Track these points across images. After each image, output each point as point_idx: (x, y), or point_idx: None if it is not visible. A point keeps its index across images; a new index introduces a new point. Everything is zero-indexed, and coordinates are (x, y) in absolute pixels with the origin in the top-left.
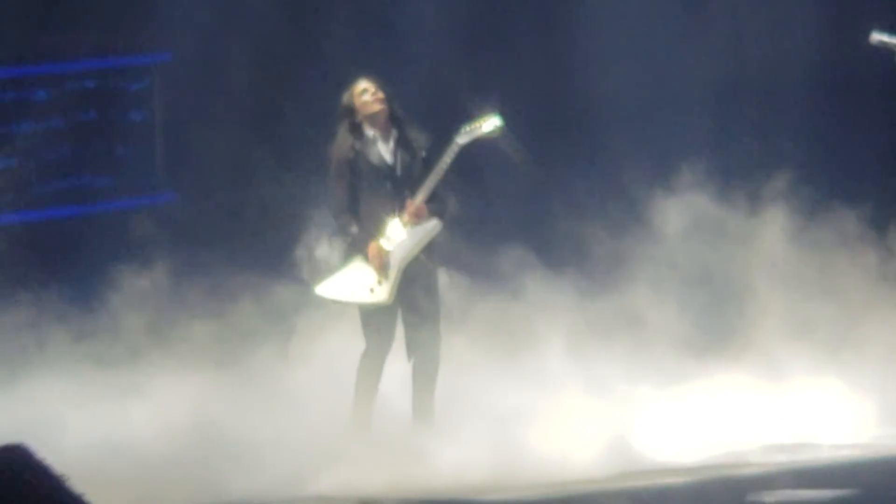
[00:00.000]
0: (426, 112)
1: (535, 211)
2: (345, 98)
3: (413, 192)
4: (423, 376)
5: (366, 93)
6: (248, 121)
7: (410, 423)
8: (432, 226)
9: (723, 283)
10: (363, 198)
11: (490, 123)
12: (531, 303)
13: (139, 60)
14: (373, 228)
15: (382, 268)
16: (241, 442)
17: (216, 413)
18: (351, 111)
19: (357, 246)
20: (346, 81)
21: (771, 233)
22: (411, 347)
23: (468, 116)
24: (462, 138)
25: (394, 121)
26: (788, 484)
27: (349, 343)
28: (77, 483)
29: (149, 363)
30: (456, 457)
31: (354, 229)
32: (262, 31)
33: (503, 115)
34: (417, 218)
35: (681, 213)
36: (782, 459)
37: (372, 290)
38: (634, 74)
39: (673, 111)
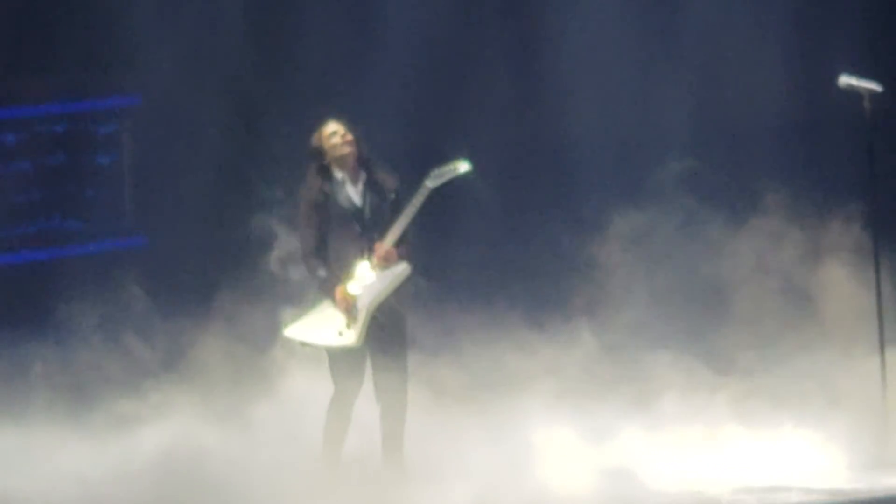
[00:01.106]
0: (396, 153)
1: (507, 252)
2: (314, 140)
3: (382, 235)
4: (392, 419)
5: (335, 135)
6: (217, 163)
7: (379, 466)
8: (401, 269)
9: (700, 320)
10: (332, 240)
11: (459, 167)
12: (505, 347)
13: (108, 104)
14: (341, 271)
15: (350, 311)
16: (212, 481)
17: (186, 455)
18: (320, 153)
19: (326, 288)
20: (317, 122)
21: (744, 268)
22: (380, 390)
23: (438, 159)
24: (432, 181)
25: (363, 163)
26: None
27: (319, 384)
28: None
29: (119, 405)
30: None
31: (322, 272)
32: (230, 74)
33: (472, 157)
34: (386, 261)
35: (655, 250)
36: (752, 502)
37: (340, 334)
38: (606, 116)
39: (646, 153)
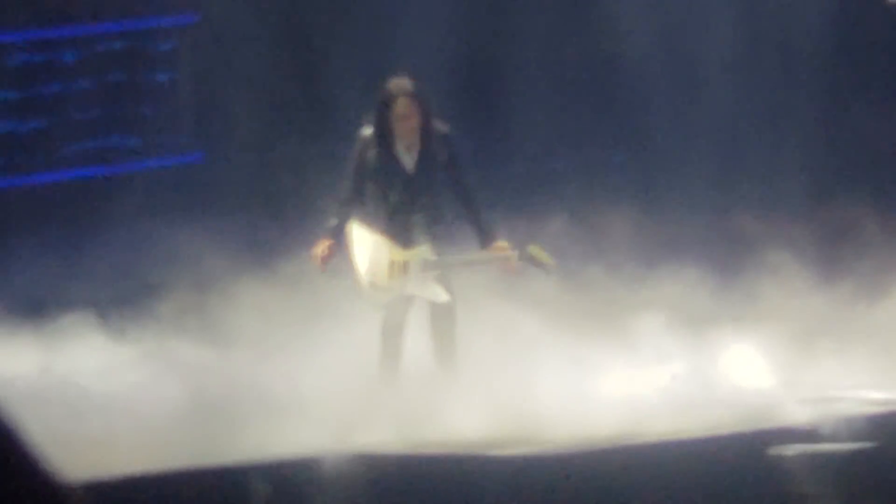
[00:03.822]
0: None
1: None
2: (382, 101)
3: (429, 199)
4: (442, 321)
5: (404, 119)
6: (275, 82)
7: (434, 369)
8: (442, 299)
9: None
10: (375, 199)
11: (550, 266)
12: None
13: (166, 21)
14: (378, 231)
15: (392, 276)
16: (267, 399)
17: (240, 372)
18: (385, 120)
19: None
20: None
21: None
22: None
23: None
24: (521, 257)
25: (424, 135)
26: (810, 438)
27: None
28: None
29: (171, 323)
30: (472, 412)
31: (333, 222)
32: None
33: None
34: (442, 281)
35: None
36: (804, 413)
37: (374, 276)
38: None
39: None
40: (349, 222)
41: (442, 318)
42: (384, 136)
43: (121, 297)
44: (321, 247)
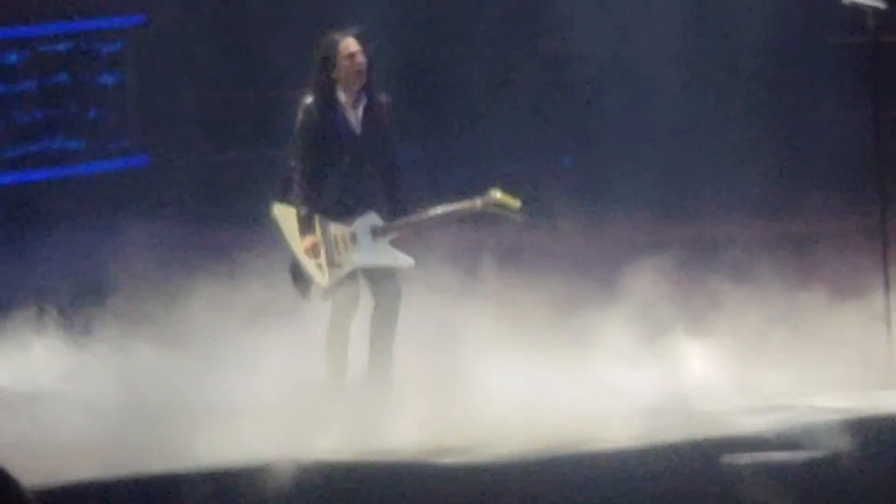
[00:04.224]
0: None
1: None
2: (325, 50)
3: (376, 165)
4: (383, 325)
5: (354, 57)
6: (222, 84)
7: (363, 376)
8: (405, 261)
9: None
10: (321, 167)
11: (515, 207)
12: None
13: (112, 23)
14: (327, 201)
15: (335, 257)
16: (215, 404)
17: (187, 376)
18: (329, 67)
19: (305, 225)
20: (328, 29)
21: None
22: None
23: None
24: (484, 203)
25: (367, 86)
26: (763, 446)
27: (323, 309)
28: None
29: (112, 328)
30: (421, 418)
31: (303, 210)
32: None
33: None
34: (403, 245)
35: None
36: (757, 422)
37: (319, 266)
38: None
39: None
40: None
41: (386, 311)
42: (327, 92)
43: (64, 301)
44: (309, 244)
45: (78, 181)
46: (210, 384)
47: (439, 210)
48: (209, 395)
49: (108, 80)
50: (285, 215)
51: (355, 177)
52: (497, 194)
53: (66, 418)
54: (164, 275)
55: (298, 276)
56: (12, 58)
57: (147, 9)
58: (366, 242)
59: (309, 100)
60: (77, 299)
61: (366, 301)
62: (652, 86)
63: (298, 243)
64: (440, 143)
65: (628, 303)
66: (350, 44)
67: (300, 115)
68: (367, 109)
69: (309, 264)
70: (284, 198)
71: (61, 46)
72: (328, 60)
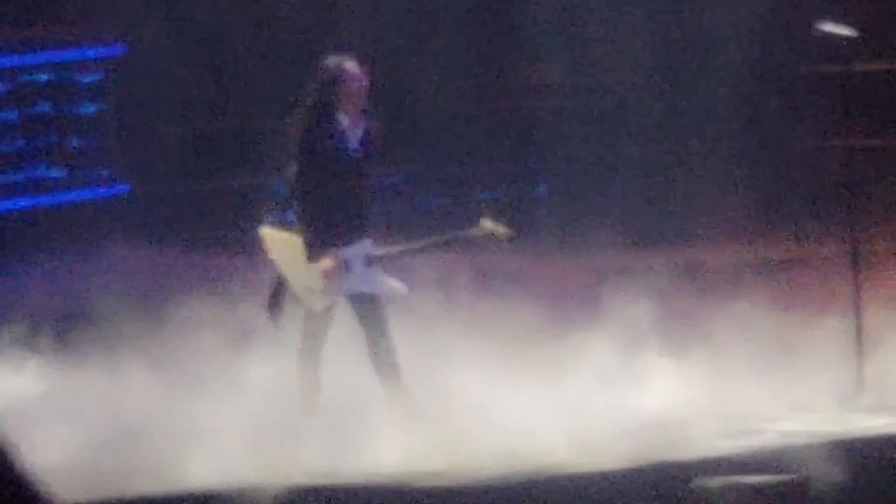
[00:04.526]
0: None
1: None
2: (328, 71)
3: (368, 191)
4: (373, 321)
5: (356, 81)
6: (202, 112)
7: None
8: (399, 290)
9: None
10: (317, 188)
11: (506, 235)
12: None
13: (93, 53)
14: (325, 226)
15: (329, 284)
16: (198, 429)
17: (165, 401)
18: (332, 89)
19: (314, 244)
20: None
21: None
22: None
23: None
24: (478, 232)
25: (368, 108)
26: (734, 469)
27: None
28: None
29: (97, 352)
30: (401, 440)
31: (311, 234)
32: (216, 21)
33: None
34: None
35: None
36: (727, 444)
37: (308, 290)
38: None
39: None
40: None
41: (380, 338)
42: (328, 115)
43: (50, 325)
44: (330, 267)
45: (60, 209)
46: (195, 406)
47: (432, 238)
48: (194, 417)
49: (89, 109)
50: (276, 239)
51: (353, 200)
52: (488, 223)
53: (52, 440)
54: (148, 299)
55: (276, 302)
56: None
57: (127, 39)
58: (359, 269)
59: (308, 122)
60: (62, 323)
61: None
62: (627, 114)
63: (296, 267)
64: (417, 170)
65: (605, 327)
66: (353, 66)
67: (299, 138)
68: (366, 132)
69: (301, 287)
70: (275, 222)
71: (43, 76)
72: (331, 83)
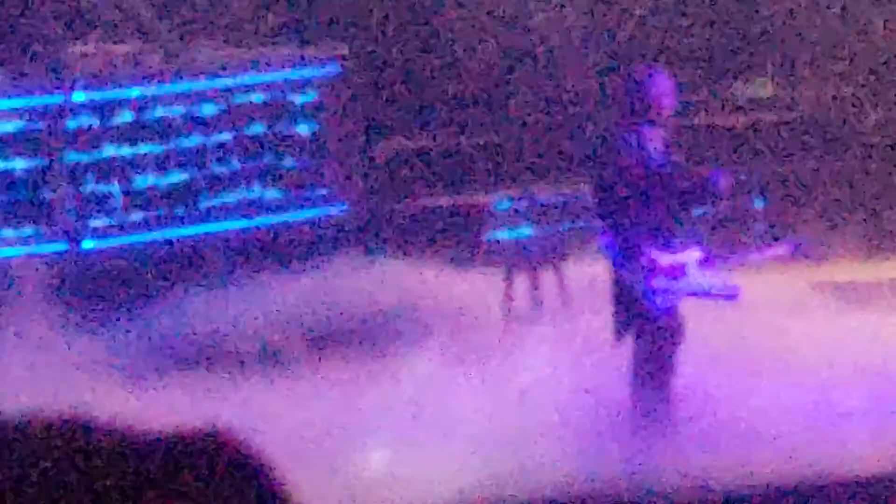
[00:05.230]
0: None
1: None
2: (643, 75)
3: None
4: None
5: (668, 96)
6: (418, 130)
7: None
8: (733, 291)
9: None
10: (628, 195)
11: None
12: None
13: (307, 73)
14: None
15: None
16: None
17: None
18: (642, 96)
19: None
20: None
21: None
22: None
23: None
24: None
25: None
26: None
27: None
28: None
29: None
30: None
31: None
32: (428, 40)
33: None
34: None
35: None
36: None
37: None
38: None
39: None
40: None
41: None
42: (636, 121)
43: (260, 341)
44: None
45: (275, 230)
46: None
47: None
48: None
49: (303, 129)
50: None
51: (669, 206)
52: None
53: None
54: (368, 315)
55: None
56: (208, 109)
57: (342, 59)
58: (694, 272)
59: (616, 131)
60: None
61: None
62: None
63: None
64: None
65: None
66: (664, 78)
67: (607, 147)
68: (669, 140)
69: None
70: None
71: (257, 97)
72: (641, 91)
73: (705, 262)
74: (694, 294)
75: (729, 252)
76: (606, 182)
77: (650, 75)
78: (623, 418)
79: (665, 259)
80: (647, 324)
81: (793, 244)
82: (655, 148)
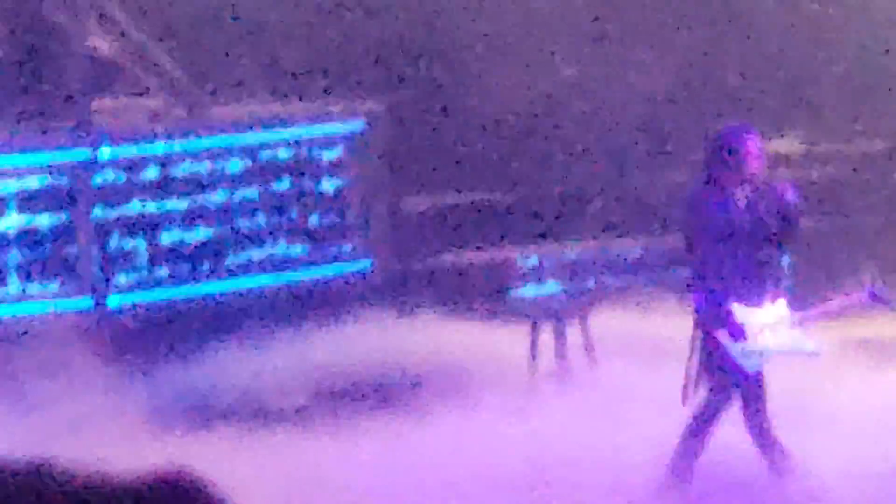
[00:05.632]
0: None
1: None
2: (731, 142)
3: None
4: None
5: (759, 157)
6: (443, 186)
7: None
8: (817, 349)
9: None
10: (718, 254)
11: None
12: None
13: (332, 129)
14: (727, 290)
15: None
16: None
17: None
18: (732, 161)
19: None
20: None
21: None
22: None
23: None
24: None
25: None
26: None
27: None
28: None
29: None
30: None
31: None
32: (453, 93)
33: None
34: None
35: None
36: None
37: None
38: None
39: None
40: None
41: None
42: (724, 182)
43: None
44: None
45: (302, 286)
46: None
47: (836, 302)
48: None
49: (328, 185)
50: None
51: (755, 264)
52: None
53: None
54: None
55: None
56: (235, 165)
57: (367, 115)
58: (781, 330)
59: (699, 192)
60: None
61: None
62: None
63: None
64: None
65: None
66: (754, 138)
67: (696, 210)
68: (755, 198)
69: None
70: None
71: (282, 153)
72: (731, 154)
73: (790, 317)
74: (779, 353)
75: (809, 304)
76: (695, 239)
77: (743, 136)
78: (656, 476)
79: (752, 317)
80: (725, 382)
81: (869, 291)
82: (739, 205)
